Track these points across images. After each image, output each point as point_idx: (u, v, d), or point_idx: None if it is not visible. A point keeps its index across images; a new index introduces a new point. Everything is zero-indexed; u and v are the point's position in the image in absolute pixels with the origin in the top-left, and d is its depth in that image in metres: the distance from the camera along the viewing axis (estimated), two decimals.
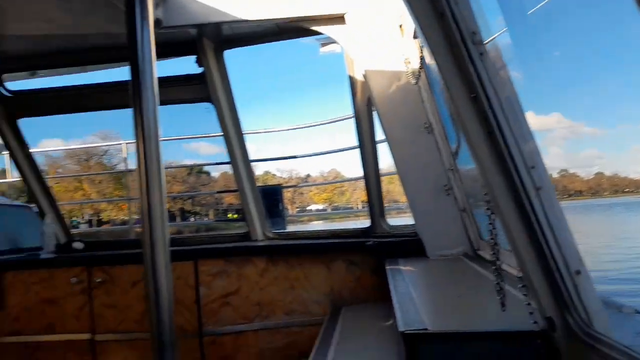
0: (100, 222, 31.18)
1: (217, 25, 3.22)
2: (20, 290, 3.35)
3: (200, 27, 3.20)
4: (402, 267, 2.70)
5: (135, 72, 1.66)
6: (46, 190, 3.91)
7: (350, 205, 39.62)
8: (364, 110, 3.39)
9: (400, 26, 2.96)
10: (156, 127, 1.69)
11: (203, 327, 3.32)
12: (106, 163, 33.82)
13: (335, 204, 41.13)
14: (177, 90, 3.61)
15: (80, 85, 3.74)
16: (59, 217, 4.06)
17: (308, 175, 41.49)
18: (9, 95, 3.70)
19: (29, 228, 3.90)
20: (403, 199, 3.09)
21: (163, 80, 3.28)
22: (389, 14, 2.95)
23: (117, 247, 4.14)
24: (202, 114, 3.84)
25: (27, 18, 3.05)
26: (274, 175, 38.87)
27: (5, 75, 3.68)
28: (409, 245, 3.05)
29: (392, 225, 3.47)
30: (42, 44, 3.39)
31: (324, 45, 3.47)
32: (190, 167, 33.17)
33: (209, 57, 3.37)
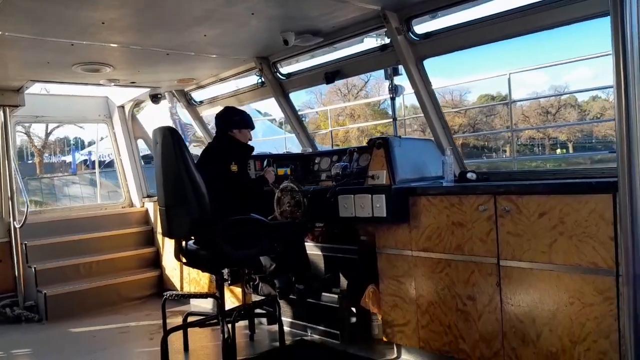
0: None
1: None
2: (432, 213, 3.79)
3: None
4: None
5: None
6: (445, 126, 4.25)
7: None
8: None
9: None
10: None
11: None
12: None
13: None
14: None
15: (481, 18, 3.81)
16: (455, 150, 4.38)
17: None
18: (417, 39, 4.11)
19: (432, 159, 4.34)
20: None
21: None
22: None
23: (512, 178, 4.18)
24: None
25: None
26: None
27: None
28: None
29: None
30: None
31: None
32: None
33: None
